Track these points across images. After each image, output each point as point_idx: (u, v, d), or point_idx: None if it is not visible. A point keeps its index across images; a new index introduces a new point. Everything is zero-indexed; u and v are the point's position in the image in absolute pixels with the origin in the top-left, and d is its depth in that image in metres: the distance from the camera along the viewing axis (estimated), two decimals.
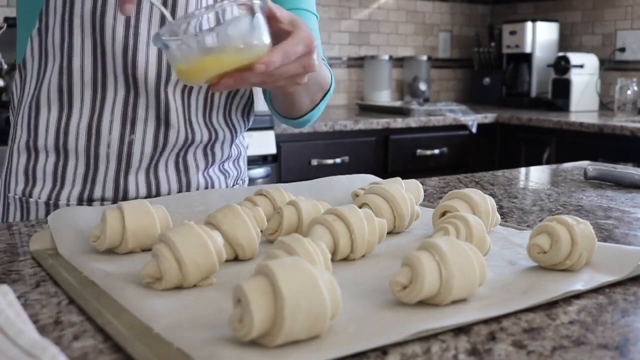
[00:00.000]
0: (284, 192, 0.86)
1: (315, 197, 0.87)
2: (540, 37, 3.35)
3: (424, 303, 0.57)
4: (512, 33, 3.38)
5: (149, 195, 0.96)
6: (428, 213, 0.88)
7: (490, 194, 1.10)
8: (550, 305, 0.59)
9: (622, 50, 3.29)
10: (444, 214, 0.81)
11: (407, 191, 0.85)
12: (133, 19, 0.89)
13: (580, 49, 3.46)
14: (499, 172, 1.36)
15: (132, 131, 0.93)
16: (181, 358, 0.47)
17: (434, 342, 0.51)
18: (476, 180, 1.26)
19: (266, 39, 0.72)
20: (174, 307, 0.57)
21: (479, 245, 0.69)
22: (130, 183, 0.95)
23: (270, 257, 0.60)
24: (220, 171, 1.05)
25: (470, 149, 2.94)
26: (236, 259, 0.71)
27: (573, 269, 0.67)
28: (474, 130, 2.86)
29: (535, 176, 1.37)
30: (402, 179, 0.94)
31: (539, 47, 3.35)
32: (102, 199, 0.95)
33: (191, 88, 0.95)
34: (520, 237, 0.79)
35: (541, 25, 3.35)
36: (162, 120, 0.94)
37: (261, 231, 0.76)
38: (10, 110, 1.03)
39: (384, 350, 0.50)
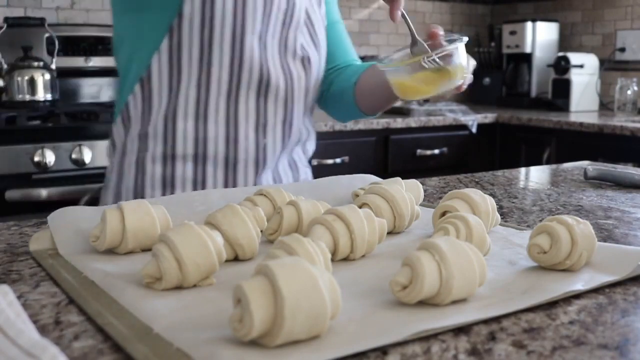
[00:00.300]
0: (284, 192, 0.86)
1: (315, 197, 0.87)
2: (540, 37, 3.34)
3: (424, 303, 0.57)
4: (512, 33, 3.38)
5: None
6: (428, 213, 0.88)
7: (490, 194, 1.10)
8: (550, 305, 0.59)
9: (622, 50, 3.28)
10: (444, 214, 0.81)
11: (407, 191, 0.85)
12: (264, 34, 1.03)
13: (580, 49, 3.46)
14: (499, 172, 1.35)
15: (264, 136, 1.06)
16: (181, 358, 0.47)
17: (434, 342, 0.51)
18: (476, 180, 1.26)
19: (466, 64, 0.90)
20: (174, 307, 0.57)
21: (479, 245, 0.69)
22: (263, 183, 1.08)
23: (270, 257, 0.60)
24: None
25: (470, 149, 2.94)
26: (236, 259, 0.71)
27: (573, 269, 0.67)
28: (474, 130, 2.86)
29: (535, 176, 1.37)
30: (402, 179, 0.93)
31: (539, 47, 3.35)
32: None
33: (305, 96, 1.11)
34: (520, 237, 0.79)
35: (541, 25, 3.35)
36: (288, 123, 1.08)
37: (261, 231, 0.76)
38: (122, 121, 1.07)
39: (384, 350, 0.50)
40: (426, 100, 3.35)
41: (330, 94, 1.21)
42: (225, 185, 1.04)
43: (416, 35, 0.90)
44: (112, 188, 1.09)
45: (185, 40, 0.99)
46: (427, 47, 0.90)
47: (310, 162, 1.24)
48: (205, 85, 1.01)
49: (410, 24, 0.90)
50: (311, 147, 1.20)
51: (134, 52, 1.05)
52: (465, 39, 0.89)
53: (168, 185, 1.03)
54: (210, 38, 0.99)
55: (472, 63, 0.94)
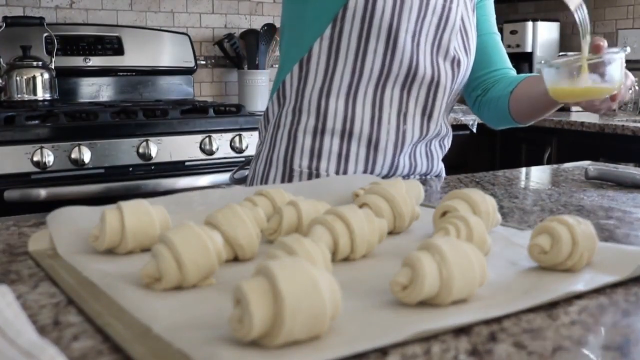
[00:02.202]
0: (284, 192, 0.86)
1: (315, 197, 0.87)
2: (541, 36, 3.34)
3: (424, 303, 0.57)
4: (513, 32, 3.38)
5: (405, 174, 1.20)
6: (428, 213, 0.88)
7: (491, 194, 1.09)
8: (551, 306, 0.59)
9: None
10: (444, 214, 0.81)
11: (407, 191, 0.85)
12: (417, 34, 1.12)
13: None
14: (500, 172, 1.35)
15: (405, 122, 1.16)
16: (181, 358, 0.47)
17: (435, 343, 0.51)
18: (477, 180, 1.26)
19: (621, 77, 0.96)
20: (174, 307, 0.57)
21: (480, 246, 0.69)
22: (400, 163, 1.18)
23: (270, 257, 0.60)
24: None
25: (470, 148, 2.93)
26: (236, 259, 0.71)
27: (574, 269, 0.67)
28: (474, 130, 2.85)
29: (536, 176, 1.37)
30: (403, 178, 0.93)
31: (540, 46, 3.35)
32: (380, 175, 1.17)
33: (447, 95, 1.19)
34: (521, 237, 0.79)
35: (542, 25, 3.35)
36: (427, 115, 1.18)
37: (261, 231, 0.76)
38: (277, 98, 1.19)
39: (384, 350, 0.50)
40: None
41: (485, 100, 1.30)
42: (366, 163, 1.15)
43: (587, 36, 0.95)
44: (263, 158, 1.20)
45: (346, 30, 1.10)
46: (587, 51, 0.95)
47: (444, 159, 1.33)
48: (359, 71, 1.12)
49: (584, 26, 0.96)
50: (448, 143, 1.29)
51: (296, 37, 1.16)
52: (628, 49, 0.95)
53: (315, 157, 1.14)
54: (369, 31, 1.10)
55: (632, 79, 0.99)
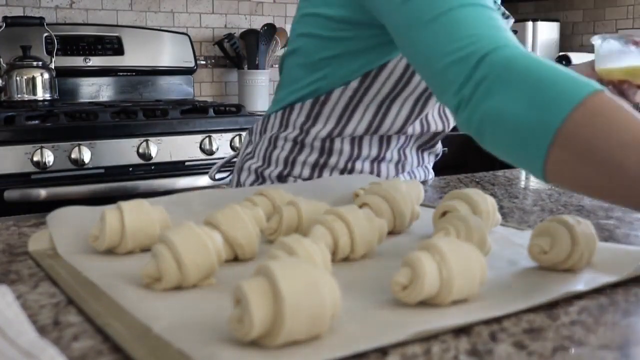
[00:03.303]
0: (284, 192, 0.86)
1: (315, 197, 0.87)
2: (541, 36, 3.34)
3: (424, 303, 0.57)
4: (513, 32, 3.38)
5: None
6: (428, 213, 0.88)
7: (491, 194, 1.09)
8: (551, 306, 0.59)
9: None
10: (444, 214, 0.81)
11: (407, 191, 0.85)
12: None
13: (581, 48, 3.45)
14: (500, 172, 1.35)
15: (405, 156, 1.17)
16: (181, 358, 0.47)
17: (435, 343, 0.51)
18: (477, 180, 1.26)
19: None
20: (174, 307, 0.57)
21: (479, 246, 0.69)
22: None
23: (270, 257, 0.60)
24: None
25: (470, 148, 2.93)
26: (236, 259, 0.71)
27: (574, 269, 0.67)
28: None
29: None
30: None
31: (540, 46, 3.35)
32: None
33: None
34: (521, 237, 0.79)
35: (542, 25, 3.35)
36: (429, 145, 1.19)
37: (261, 231, 0.75)
38: (280, 119, 1.13)
39: (384, 350, 0.50)
40: None
41: None
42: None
43: None
44: (252, 171, 1.17)
45: (374, 88, 1.05)
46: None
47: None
48: (375, 127, 1.09)
49: None
50: (436, 157, 1.28)
51: (315, 66, 1.08)
52: None
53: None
54: (399, 94, 1.06)
55: None
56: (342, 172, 1.12)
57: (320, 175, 1.11)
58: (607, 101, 0.64)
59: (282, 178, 1.13)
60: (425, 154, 1.22)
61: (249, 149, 1.21)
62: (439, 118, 1.14)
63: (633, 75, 0.92)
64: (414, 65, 0.83)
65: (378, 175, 1.13)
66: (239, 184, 1.20)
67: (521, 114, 0.66)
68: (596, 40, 0.93)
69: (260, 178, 1.16)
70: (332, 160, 1.11)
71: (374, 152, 1.13)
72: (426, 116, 1.12)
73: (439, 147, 1.25)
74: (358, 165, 1.12)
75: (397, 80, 1.04)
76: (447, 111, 1.14)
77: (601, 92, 0.64)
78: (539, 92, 0.66)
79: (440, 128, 1.16)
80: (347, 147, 1.11)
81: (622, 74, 0.93)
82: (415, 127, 1.11)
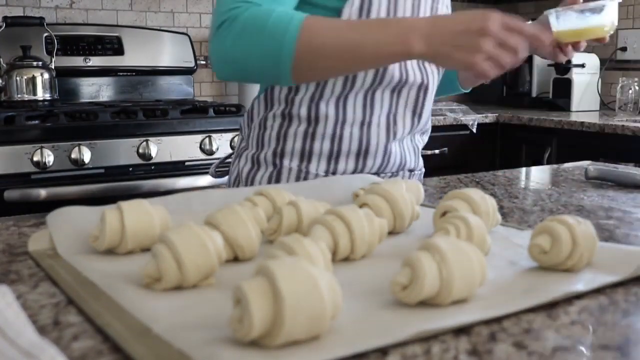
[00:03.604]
0: (284, 192, 0.86)
1: (315, 197, 0.87)
2: None
3: (424, 303, 0.57)
4: None
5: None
6: (428, 213, 0.88)
7: (491, 194, 1.09)
8: (551, 306, 0.59)
9: (624, 49, 3.28)
10: (444, 214, 0.81)
11: (407, 191, 0.85)
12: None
13: None
14: (500, 172, 1.35)
15: (395, 123, 1.18)
16: (181, 358, 0.47)
17: (435, 343, 0.51)
18: (477, 180, 1.26)
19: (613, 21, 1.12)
20: (174, 307, 0.57)
21: (479, 246, 0.69)
22: (390, 160, 1.18)
23: (270, 257, 0.60)
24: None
25: (470, 148, 2.93)
26: (236, 259, 0.71)
27: (574, 270, 0.67)
28: (474, 130, 2.85)
29: (536, 176, 1.37)
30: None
31: None
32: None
33: (433, 91, 1.21)
34: (521, 237, 0.79)
35: None
36: (417, 114, 1.19)
37: (261, 231, 0.75)
38: (264, 100, 1.18)
39: (384, 350, 0.50)
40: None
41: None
42: (357, 162, 1.15)
43: None
44: (248, 158, 1.20)
45: None
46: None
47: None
48: (351, 82, 1.11)
49: None
50: (427, 138, 1.30)
51: None
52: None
53: (305, 158, 1.14)
54: None
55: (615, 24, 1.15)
56: (332, 139, 1.13)
57: (311, 147, 1.14)
58: (315, 17, 0.94)
59: (276, 156, 1.15)
60: (418, 129, 1.23)
61: (243, 144, 1.24)
62: (417, 68, 1.15)
63: (580, 36, 1.14)
64: None
65: (368, 142, 1.15)
66: (239, 175, 1.21)
67: (259, 44, 0.95)
68: (550, 12, 1.13)
69: (255, 165, 1.18)
70: (320, 128, 1.13)
71: (359, 114, 1.13)
72: (405, 64, 1.13)
73: (429, 124, 1.27)
74: (346, 131, 1.13)
75: None
76: (426, 63, 1.17)
77: (307, 15, 0.94)
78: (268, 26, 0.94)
79: (419, 80, 1.15)
80: (332, 111, 1.12)
81: (573, 37, 1.14)
82: (394, 75, 1.11)
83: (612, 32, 1.14)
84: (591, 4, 1.10)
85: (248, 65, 0.97)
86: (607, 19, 1.11)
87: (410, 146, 1.24)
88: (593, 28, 1.12)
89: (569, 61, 3.13)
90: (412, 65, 1.14)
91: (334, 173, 1.14)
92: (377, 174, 1.18)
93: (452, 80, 1.34)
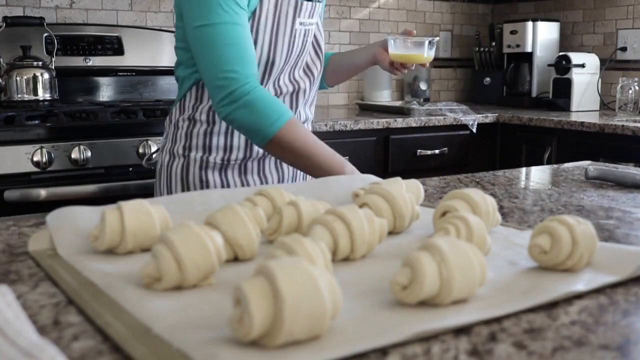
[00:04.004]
0: (284, 192, 0.86)
1: (315, 197, 0.87)
2: (541, 36, 3.34)
3: (424, 303, 0.57)
4: (513, 32, 3.38)
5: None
6: (428, 213, 0.88)
7: (491, 194, 1.09)
8: (551, 306, 0.59)
9: (624, 49, 3.28)
10: (444, 214, 0.81)
11: (407, 191, 0.85)
12: (284, 64, 1.41)
13: (581, 48, 3.45)
14: (500, 172, 1.35)
15: None
16: (181, 358, 0.47)
17: (435, 343, 0.51)
18: (477, 180, 1.26)
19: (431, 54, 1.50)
20: (174, 307, 0.57)
21: (479, 246, 0.69)
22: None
23: (270, 257, 0.60)
24: None
25: (470, 148, 2.94)
26: (236, 259, 0.71)
27: (574, 269, 0.67)
28: (474, 130, 2.85)
29: (536, 176, 1.37)
30: (403, 178, 0.93)
31: (540, 46, 3.35)
32: None
33: (307, 94, 1.48)
34: (521, 238, 0.79)
35: (542, 25, 3.35)
36: (294, 110, 1.46)
37: (261, 231, 0.75)
38: (179, 107, 1.44)
39: (384, 350, 0.50)
40: (426, 100, 3.36)
41: None
42: (245, 152, 1.40)
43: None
44: (167, 151, 1.45)
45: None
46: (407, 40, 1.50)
47: None
48: None
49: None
50: (308, 127, 1.52)
51: (189, 60, 1.39)
52: (437, 39, 1.50)
53: (206, 149, 1.40)
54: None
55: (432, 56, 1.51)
56: (225, 135, 1.39)
57: (210, 142, 1.40)
58: (296, 123, 1.26)
59: (185, 149, 1.40)
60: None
61: (164, 140, 1.49)
62: (289, 82, 1.42)
63: (407, 59, 1.49)
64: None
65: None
66: (161, 166, 1.44)
67: (254, 122, 1.26)
68: (390, 39, 1.48)
69: (171, 156, 1.43)
70: (216, 128, 1.39)
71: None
72: (278, 81, 1.40)
73: (303, 117, 1.48)
74: (235, 132, 1.39)
75: None
76: (297, 77, 1.45)
77: (293, 117, 1.26)
78: (264, 114, 1.25)
79: (290, 89, 1.43)
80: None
81: (402, 59, 1.49)
82: (287, 85, 1.42)
83: (429, 62, 1.52)
84: (416, 39, 1.48)
85: (241, 128, 1.29)
86: (425, 52, 1.48)
87: None
88: (415, 55, 1.48)
89: (568, 64, 3.13)
90: (284, 79, 1.41)
91: (228, 161, 1.39)
92: (261, 158, 1.42)
93: (322, 80, 1.63)
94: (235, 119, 1.25)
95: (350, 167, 1.26)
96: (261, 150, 1.40)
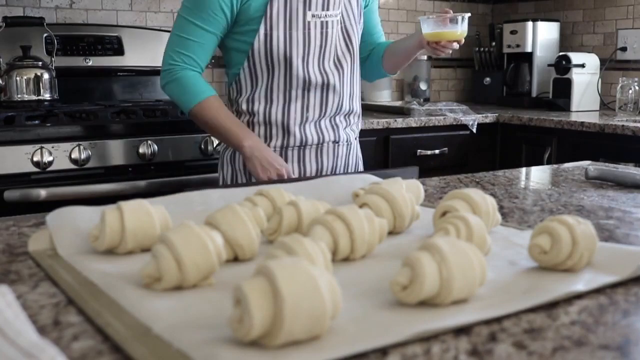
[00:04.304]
0: (284, 192, 0.86)
1: (315, 197, 0.87)
2: (541, 36, 3.34)
3: (424, 303, 0.57)
4: (513, 32, 3.38)
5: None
6: (428, 213, 0.88)
7: (491, 194, 1.09)
8: (551, 306, 0.59)
9: (624, 49, 3.28)
10: (444, 214, 0.81)
11: (407, 191, 0.85)
12: (306, 56, 1.56)
13: (581, 48, 3.45)
14: (500, 172, 1.35)
15: (307, 110, 1.59)
16: (181, 358, 0.47)
17: (435, 343, 0.51)
18: (477, 180, 1.26)
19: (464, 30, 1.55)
20: (174, 307, 0.57)
21: (479, 246, 0.69)
22: (307, 136, 1.60)
23: (270, 257, 0.60)
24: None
25: (470, 149, 2.93)
26: (236, 259, 0.71)
27: (574, 270, 0.67)
28: (474, 130, 2.85)
29: (536, 176, 1.37)
30: (403, 179, 0.93)
31: (540, 46, 3.35)
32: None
33: (341, 86, 1.61)
34: (521, 238, 0.79)
35: (542, 25, 3.35)
36: (324, 104, 1.60)
37: (261, 231, 0.75)
38: (229, 93, 1.66)
39: (384, 350, 0.50)
40: (426, 100, 3.36)
41: (367, 64, 1.76)
42: (283, 139, 1.55)
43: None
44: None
45: (257, 63, 1.54)
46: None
47: (356, 138, 1.71)
48: (270, 86, 1.55)
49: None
50: (354, 119, 1.67)
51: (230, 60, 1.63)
52: (468, 14, 1.58)
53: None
54: (272, 61, 1.54)
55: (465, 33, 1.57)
56: (264, 123, 1.55)
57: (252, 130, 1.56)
58: (214, 100, 1.53)
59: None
60: (329, 112, 1.59)
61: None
62: (318, 73, 1.54)
63: (442, 37, 1.52)
64: None
65: (287, 125, 1.55)
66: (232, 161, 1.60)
67: (179, 95, 1.56)
68: (421, 19, 1.54)
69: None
70: (255, 118, 1.56)
71: (280, 108, 1.55)
72: (308, 71, 1.52)
73: (346, 109, 1.62)
74: (273, 116, 1.55)
75: (265, 54, 1.53)
76: (327, 68, 1.56)
77: (212, 95, 1.54)
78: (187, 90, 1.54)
79: (320, 81, 1.54)
80: (261, 107, 1.55)
81: (437, 37, 1.53)
82: (299, 80, 1.53)
83: (463, 37, 1.54)
84: (449, 15, 1.51)
85: (172, 99, 1.59)
86: (459, 28, 1.52)
87: (328, 125, 1.60)
88: (448, 32, 1.51)
89: (568, 64, 3.13)
90: (313, 70, 1.54)
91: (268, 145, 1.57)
92: (300, 146, 1.56)
93: (378, 68, 1.76)
94: (167, 90, 1.55)
95: (249, 141, 1.49)
96: (298, 139, 1.56)
